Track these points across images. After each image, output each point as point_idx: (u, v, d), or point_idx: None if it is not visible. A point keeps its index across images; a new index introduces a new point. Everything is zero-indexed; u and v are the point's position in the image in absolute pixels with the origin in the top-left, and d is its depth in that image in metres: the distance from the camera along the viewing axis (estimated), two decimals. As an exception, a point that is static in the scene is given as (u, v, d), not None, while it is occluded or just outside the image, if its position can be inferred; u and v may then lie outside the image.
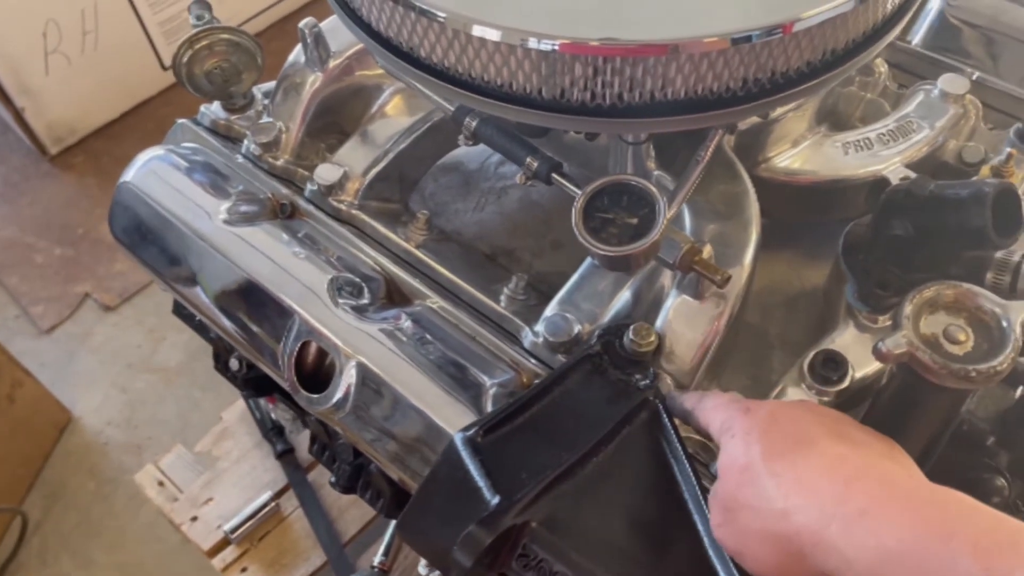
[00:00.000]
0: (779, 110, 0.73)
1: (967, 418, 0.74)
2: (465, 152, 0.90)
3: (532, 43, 0.54)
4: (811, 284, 0.79)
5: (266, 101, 0.87)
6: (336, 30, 0.82)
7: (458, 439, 0.57)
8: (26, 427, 1.62)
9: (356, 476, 0.81)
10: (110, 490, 1.66)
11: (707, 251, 0.62)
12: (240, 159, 0.84)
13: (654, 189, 0.57)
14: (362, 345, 0.69)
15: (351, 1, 0.61)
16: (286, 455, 1.32)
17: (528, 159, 0.67)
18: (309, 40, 0.80)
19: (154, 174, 0.81)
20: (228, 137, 0.87)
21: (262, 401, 1.29)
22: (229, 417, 1.39)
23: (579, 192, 0.61)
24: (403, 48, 0.59)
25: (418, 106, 0.84)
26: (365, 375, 0.68)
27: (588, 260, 0.72)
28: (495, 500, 0.53)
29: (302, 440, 1.33)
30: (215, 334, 0.90)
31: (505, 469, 0.56)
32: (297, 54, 0.84)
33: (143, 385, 1.81)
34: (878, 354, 0.55)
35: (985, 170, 0.74)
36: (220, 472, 1.32)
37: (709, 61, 0.53)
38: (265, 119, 0.84)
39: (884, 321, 0.69)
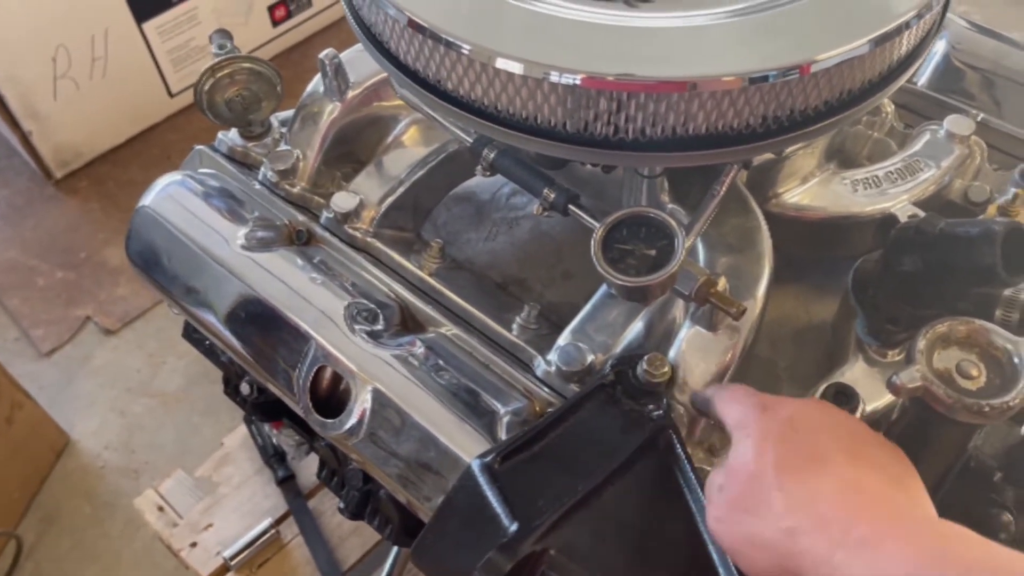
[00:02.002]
0: (792, 147, 0.74)
1: (974, 454, 0.74)
2: (477, 183, 0.91)
3: (554, 77, 0.55)
4: (819, 318, 0.80)
5: (283, 129, 0.89)
6: (355, 61, 0.83)
7: (475, 465, 0.58)
8: (24, 450, 1.61)
9: (365, 502, 0.81)
10: (106, 514, 1.65)
11: (722, 283, 0.63)
12: (257, 186, 0.85)
13: (673, 222, 0.58)
14: (377, 371, 0.70)
15: (378, 32, 0.63)
16: (287, 482, 1.32)
17: (545, 190, 0.68)
18: (329, 71, 0.81)
19: (172, 199, 0.82)
20: (245, 164, 0.88)
21: (265, 427, 1.29)
22: (230, 443, 1.38)
23: (596, 224, 0.62)
24: (428, 79, 0.61)
25: (433, 137, 0.86)
26: (380, 400, 0.69)
27: (601, 290, 0.73)
28: (513, 527, 0.54)
29: (304, 467, 1.33)
30: (226, 358, 0.90)
31: (522, 496, 0.56)
32: (316, 84, 0.85)
33: (142, 409, 1.81)
34: (892, 388, 0.55)
35: (992, 209, 0.75)
36: (220, 498, 1.32)
37: (730, 99, 0.54)
38: (283, 147, 0.86)
39: (894, 356, 0.70)
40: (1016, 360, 0.55)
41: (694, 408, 0.65)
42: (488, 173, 0.71)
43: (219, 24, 2.18)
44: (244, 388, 0.86)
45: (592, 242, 0.58)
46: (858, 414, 0.66)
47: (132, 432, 1.77)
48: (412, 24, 0.58)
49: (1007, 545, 0.58)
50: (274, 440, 1.34)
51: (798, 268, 0.81)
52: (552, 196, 0.68)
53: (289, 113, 0.90)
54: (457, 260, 0.85)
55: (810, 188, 0.78)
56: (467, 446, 0.65)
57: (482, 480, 0.57)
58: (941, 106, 0.84)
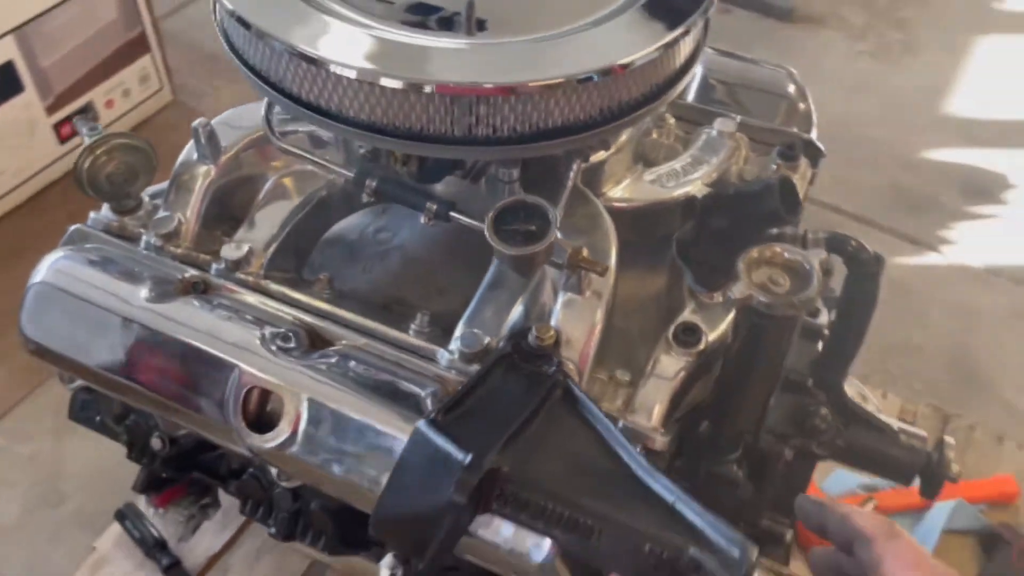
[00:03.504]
0: (600, 154, 0.92)
1: (791, 370, 0.94)
2: (344, 227, 1.02)
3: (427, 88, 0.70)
4: (655, 289, 0.97)
5: (156, 201, 0.95)
6: (223, 127, 0.93)
7: (422, 424, 0.68)
8: None
9: (295, 521, 0.87)
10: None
11: (585, 251, 0.78)
12: (143, 252, 0.91)
13: (545, 203, 0.73)
14: (303, 381, 0.78)
15: (279, 80, 0.74)
16: (173, 568, 1.31)
17: (428, 204, 0.81)
18: (203, 137, 0.90)
19: (64, 272, 0.86)
20: (123, 237, 0.94)
21: (148, 513, 1.29)
22: (103, 545, 1.35)
23: (474, 223, 0.76)
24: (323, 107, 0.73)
25: (301, 188, 0.96)
26: (311, 407, 0.77)
27: (482, 287, 0.86)
28: (468, 456, 0.64)
29: (189, 549, 1.33)
30: (132, 420, 0.93)
31: (466, 437, 0.67)
32: (188, 154, 0.93)
33: (-25, 549, 1.68)
34: (729, 301, 0.73)
35: (762, 180, 0.96)
36: (103, 602, 1.29)
37: (570, 95, 0.71)
38: (161, 213, 0.93)
39: (718, 297, 0.88)
40: (807, 266, 0.74)
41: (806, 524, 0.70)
42: (372, 199, 0.83)
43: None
44: (155, 443, 0.90)
45: (485, 224, 0.72)
46: (703, 343, 0.83)
47: (-32, 575, 1.64)
48: (303, 57, 0.71)
49: (824, 433, 0.77)
50: (154, 531, 1.33)
51: (631, 254, 0.98)
52: (435, 207, 0.81)
53: (154, 188, 0.97)
54: (341, 291, 0.95)
55: (627, 185, 0.97)
56: (400, 426, 0.75)
57: (430, 432, 0.67)
58: (708, 114, 1.06)
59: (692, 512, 0.63)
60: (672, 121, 1.06)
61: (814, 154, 1.02)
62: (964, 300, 2.22)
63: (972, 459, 1.48)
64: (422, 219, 0.81)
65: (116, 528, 1.36)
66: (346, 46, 0.72)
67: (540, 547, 0.71)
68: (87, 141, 0.89)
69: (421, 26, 0.77)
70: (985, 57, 2.86)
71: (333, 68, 0.69)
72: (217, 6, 0.81)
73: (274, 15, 0.76)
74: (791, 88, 1.08)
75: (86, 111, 2.36)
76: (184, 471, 0.96)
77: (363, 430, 0.76)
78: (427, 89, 0.68)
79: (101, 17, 2.31)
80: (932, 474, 0.95)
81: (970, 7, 3.02)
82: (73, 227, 0.93)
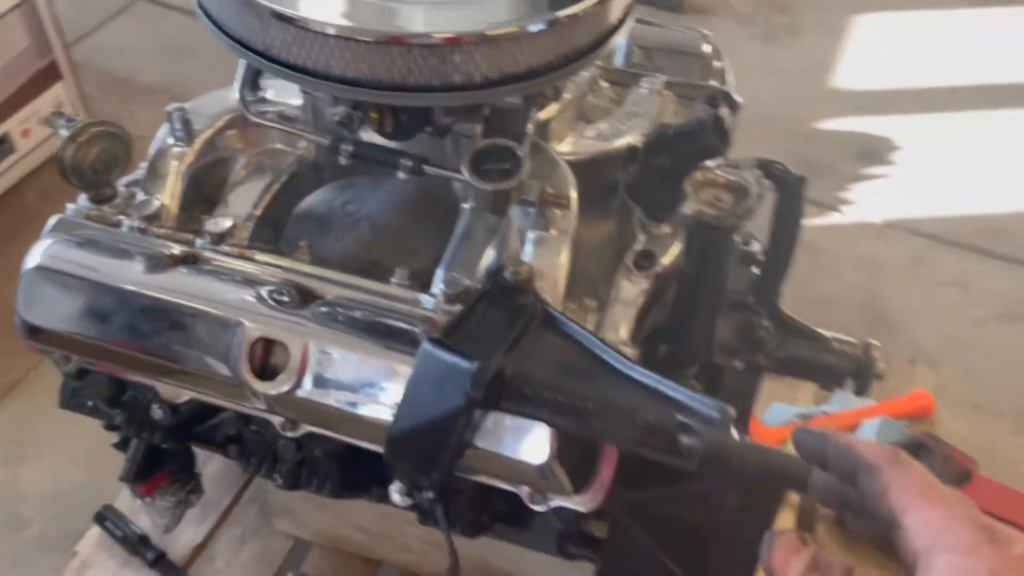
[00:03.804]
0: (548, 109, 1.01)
1: (734, 292, 1.05)
2: (311, 202, 1.09)
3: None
4: (608, 233, 1.07)
5: (134, 189, 1.00)
6: (196, 112, 0.99)
7: (427, 344, 0.76)
8: None
9: (299, 471, 0.93)
10: None
11: (550, 189, 0.87)
12: (128, 234, 0.96)
13: (515, 144, 0.82)
14: (303, 329, 0.85)
15: (265, 47, 0.81)
16: (160, 562, 1.34)
17: (402, 160, 0.89)
18: (178, 122, 0.96)
19: (57, 256, 0.90)
20: (103, 224, 0.98)
21: (135, 501, 1.31)
22: (85, 548, 1.37)
23: (446, 172, 0.84)
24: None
25: (273, 165, 1.03)
26: (313, 350, 0.84)
27: (454, 240, 0.94)
28: (476, 364, 0.72)
29: (173, 540, 1.36)
30: (130, 396, 0.97)
31: (469, 352, 0.75)
32: (161, 140, 0.99)
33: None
34: (683, 219, 0.83)
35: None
36: (92, 602, 1.30)
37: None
38: (141, 197, 0.98)
39: (666, 228, 0.98)
40: (743, 183, 0.85)
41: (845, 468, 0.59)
42: (349, 162, 0.90)
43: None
44: (156, 413, 0.94)
45: (463, 165, 0.80)
46: (659, 266, 0.93)
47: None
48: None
49: (766, 346, 0.88)
50: (136, 528, 1.35)
51: (583, 203, 1.07)
52: (410, 163, 0.88)
53: (126, 179, 1.02)
54: (322, 258, 1.02)
55: (572, 141, 1.06)
56: (400, 357, 0.83)
57: (437, 350, 0.75)
58: (635, 76, 1.16)
59: (672, 390, 0.72)
60: (605, 85, 1.16)
61: (732, 104, 1.14)
62: (868, 253, 2.40)
63: (891, 382, 1.63)
64: (399, 175, 0.89)
65: (96, 531, 1.37)
66: (324, 8, 0.80)
67: (538, 451, 0.79)
68: (64, 133, 0.94)
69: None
70: (864, 34, 3.09)
71: (315, 27, 0.77)
72: None
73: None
74: (706, 48, 1.20)
75: (2, 142, 2.35)
76: (183, 440, 1.00)
77: (365, 365, 0.83)
78: (411, 41, 0.76)
79: (12, 47, 2.30)
80: (862, 373, 1.07)
81: (845, -10, 3.26)
82: (55, 217, 0.97)
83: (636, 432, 0.69)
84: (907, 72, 2.92)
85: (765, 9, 3.16)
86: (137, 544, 1.35)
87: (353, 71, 0.79)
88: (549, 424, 0.73)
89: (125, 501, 1.39)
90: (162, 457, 1.16)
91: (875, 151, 2.68)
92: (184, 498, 1.25)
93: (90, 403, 1.02)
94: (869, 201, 2.53)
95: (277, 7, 0.79)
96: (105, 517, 1.37)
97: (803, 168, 1.02)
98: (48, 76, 2.41)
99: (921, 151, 2.67)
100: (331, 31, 0.79)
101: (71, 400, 1.02)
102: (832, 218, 2.48)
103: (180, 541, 1.36)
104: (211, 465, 1.40)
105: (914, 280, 2.32)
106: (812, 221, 2.44)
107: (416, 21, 0.80)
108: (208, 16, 0.87)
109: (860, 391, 1.08)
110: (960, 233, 2.43)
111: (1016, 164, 2.64)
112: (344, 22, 0.79)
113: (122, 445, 1.14)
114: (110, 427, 1.11)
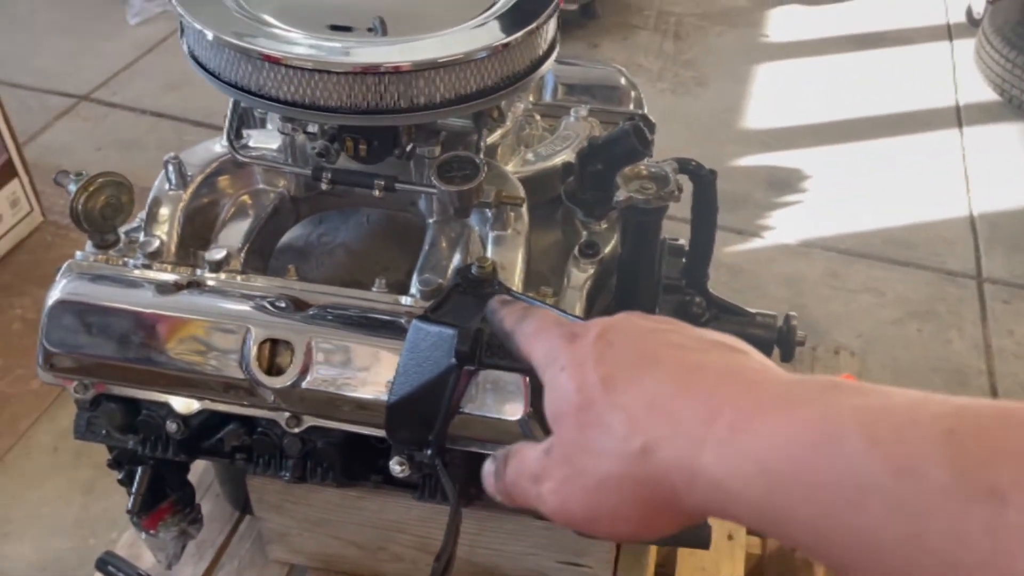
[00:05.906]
0: (494, 135, 1.18)
1: (668, 278, 1.21)
2: (290, 237, 1.23)
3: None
4: (554, 238, 1.23)
5: (135, 234, 1.13)
6: (189, 159, 1.13)
7: (417, 321, 0.90)
8: None
9: (304, 464, 1.05)
10: None
11: (504, 192, 1.03)
12: (134, 268, 1.08)
13: (472, 154, 0.98)
14: (304, 328, 0.98)
15: (257, 87, 0.96)
16: (165, 597, 1.41)
17: (376, 180, 1.04)
18: (172, 167, 1.09)
19: (76, 292, 1.02)
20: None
21: (140, 535, 1.38)
22: (89, 594, 1.43)
23: (416, 187, 0.99)
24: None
25: (258, 203, 1.17)
26: (315, 346, 0.97)
27: (424, 249, 1.09)
28: (460, 328, 0.86)
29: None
30: (145, 415, 1.07)
31: (451, 324, 0.89)
32: (158, 188, 1.12)
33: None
34: (618, 203, 0.99)
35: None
36: (100, 643, 1.36)
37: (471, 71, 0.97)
38: (143, 238, 1.10)
39: (602, 224, 1.15)
40: (663, 172, 1.02)
41: (499, 339, 0.83)
42: (330, 187, 1.05)
43: None
44: (171, 427, 1.05)
45: (432, 173, 0.96)
46: (602, 253, 1.09)
47: None
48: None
49: (701, 321, 1.04)
50: (139, 571, 1.42)
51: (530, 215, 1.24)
52: (382, 182, 1.04)
53: (126, 227, 1.15)
54: (307, 280, 1.15)
55: (515, 163, 1.23)
56: (392, 343, 0.96)
57: (425, 324, 0.89)
58: (564, 108, 1.35)
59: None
60: (539, 118, 1.34)
61: (648, 125, 1.33)
62: (789, 271, 2.62)
63: (819, 370, 1.81)
64: (375, 193, 1.04)
65: (98, 577, 1.44)
66: (301, 49, 0.96)
67: (515, 409, 0.93)
68: (72, 188, 1.06)
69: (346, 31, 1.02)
70: (764, 80, 3.39)
71: (295, 64, 0.93)
72: (186, 29, 1.03)
73: (249, 35, 0.99)
74: (622, 80, 1.39)
75: (-39, 242, 2.42)
76: (194, 455, 1.10)
77: (360, 354, 0.96)
78: (381, 70, 0.93)
79: (-32, 149, 2.41)
80: (786, 342, 1.24)
81: (741, 44, 3.58)
82: (66, 262, 1.09)
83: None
84: (806, 110, 3.21)
85: (672, 66, 3.44)
86: (141, 583, 1.41)
87: (324, 99, 0.95)
88: (525, 372, 0.87)
89: (123, 549, 1.46)
90: (163, 490, 1.26)
91: (785, 181, 2.93)
92: (186, 529, 1.33)
93: (103, 431, 1.12)
94: (785, 225, 2.76)
95: (267, 51, 0.95)
96: (107, 562, 1.44)
97: (722, 200, 1.20)
98: (3, 174, 2.52)
99: (826, 177, 2.93)
100: (308, 66, 0.95)
101: (85, 431, 1.12)
102: (754, 243, 2.70)
103: (188, 569, 1.43)
104: (204, 506, 1.49)
105: (832, 290, 2.54)
106: (736, 247, 2.67)
107: (380, 55, 0.97)
108: (200, 65, 1.02)
109: (786, 357, 1.25)
110: (868, 246, 2.67)
111: (910, 181, 2.91)
112: (324, 58, 0.95)
113: (126, 480, 1.23)
114: (114, 464, 1.21)
